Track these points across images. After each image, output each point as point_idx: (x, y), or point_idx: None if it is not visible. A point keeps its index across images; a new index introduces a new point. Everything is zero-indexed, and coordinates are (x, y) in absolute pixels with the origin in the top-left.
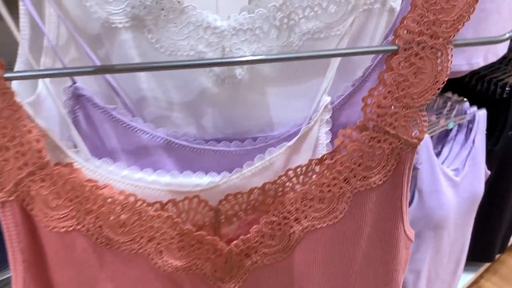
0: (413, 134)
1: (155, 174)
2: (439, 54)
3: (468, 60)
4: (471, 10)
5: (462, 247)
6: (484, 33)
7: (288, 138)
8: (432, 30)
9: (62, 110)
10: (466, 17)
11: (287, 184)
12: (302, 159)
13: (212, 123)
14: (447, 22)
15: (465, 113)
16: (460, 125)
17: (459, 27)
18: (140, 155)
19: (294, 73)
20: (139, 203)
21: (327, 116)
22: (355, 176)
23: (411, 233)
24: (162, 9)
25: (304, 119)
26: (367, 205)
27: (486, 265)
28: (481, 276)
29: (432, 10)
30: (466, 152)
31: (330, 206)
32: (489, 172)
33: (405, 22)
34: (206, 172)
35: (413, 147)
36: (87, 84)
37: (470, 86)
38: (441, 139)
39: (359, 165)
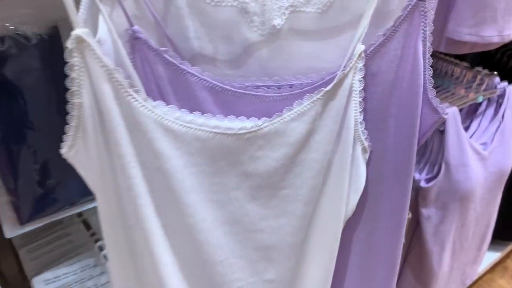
0: None
1: (204, 118)
2: None
3: (500, 32)
4: None
5: (488, 223)
6: None
7: (323, 85)
8: None
9: (122, 52)
10: None
11: None
12: (337, 104)
13: (252, 70)
14: None
15: (495, 87)
16: (489, 100)
17: None
18: (187, 96)
19: (329, 24)
20: None
21: (361, 64)
22: None
23: None
24: None
25: (337, 68)
26: None
27: None
28: (507, 256)
29: None
30: (495, 127)
31: None
32: None
33: None
34: (248, 117)
35: None
36: (145, 30)
37: (501, 63)
38: (470, 113)
39: None
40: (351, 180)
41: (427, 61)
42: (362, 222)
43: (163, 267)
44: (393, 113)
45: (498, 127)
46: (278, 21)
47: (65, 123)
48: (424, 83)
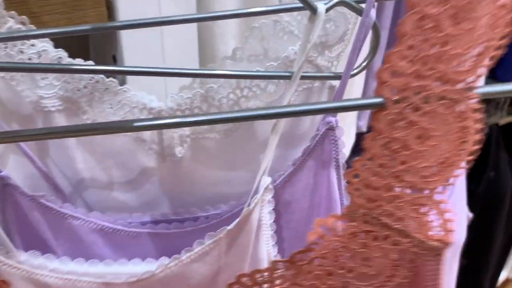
0: (432, 232)
1: (87, 264)
2: (457, 106)
3: None
4: (500, 36)
5: None
6: None
7: (232, 217)
8: (437, 69)
9: None
10: (496, 46)
11: None
12: (244, 241)
13: (153, 203)
14: (460, 56)
15: None
16: None
17: (483, 63)
18: (72, 242)
19: (236, 150)
20: None
21: (269, 196)
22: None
23: None
24: (97, 92)
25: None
26: None
27: None
28: None
29: (432, 38)
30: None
31: None
32: (471, 215)
33: (390, 59)
34: (144, 258)
35: (436, 253)
36: (15, 170)
37: None
38: None
39: (349, 271)
40: None
41: (342, 187)
42: None
43: None
44: None
45: (450, 196)
46: (179, 150)
47: None
48: (342, 207)
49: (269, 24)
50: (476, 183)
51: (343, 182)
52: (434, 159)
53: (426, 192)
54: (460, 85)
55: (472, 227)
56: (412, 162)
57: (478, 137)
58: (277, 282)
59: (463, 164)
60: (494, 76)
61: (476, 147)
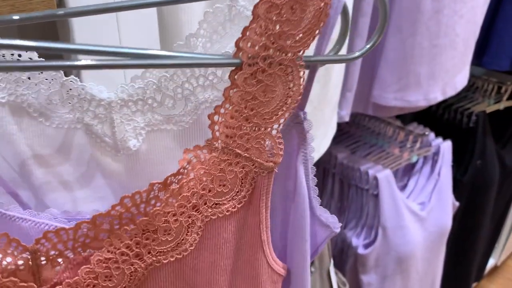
0: (268, 157)
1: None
2: (289, 70)
3: (426, 95)
4: (321, 24)
5: (432, 282)
6: (439, 68)
7: None
8: (278, 44)
9: None
10: (316, 31)
11: (125, 215)
12: None
13: (109, 200)
14: (294, 36)
15: (430, 145)
16: (425, 157)
17: (308, 41)
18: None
19: (196, 140)
20: None
21: None
22: (205, 203)
23: (279, 265)
24: (42, 84)
25: None
26: (221, 235)
27: None
28: None
29: (276, 21)
30: (432, 185)
31: (178, 237)
32: (457, 204)
33: (247, 33)
34: None
35: (269, 171)
36: None
37: (437, 115)
38: (408, 171)
39: (209, 191)
40: None
41: (310, 182)
42: None
43: None
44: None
45: (435, 185)
46: (133, 142)
47: None
48: (310, 202)
49: (224, 9)
50: (463, 172)
51: (311, 176)
52: (273, 106)
53: (267, 129)
54: (292, 55)
55: (459, 216)
56: (258, 109)
57: (299, 92)
58: (152, 202)
59: (288, 108)
60: (480, 63)
61: (298, 99)
